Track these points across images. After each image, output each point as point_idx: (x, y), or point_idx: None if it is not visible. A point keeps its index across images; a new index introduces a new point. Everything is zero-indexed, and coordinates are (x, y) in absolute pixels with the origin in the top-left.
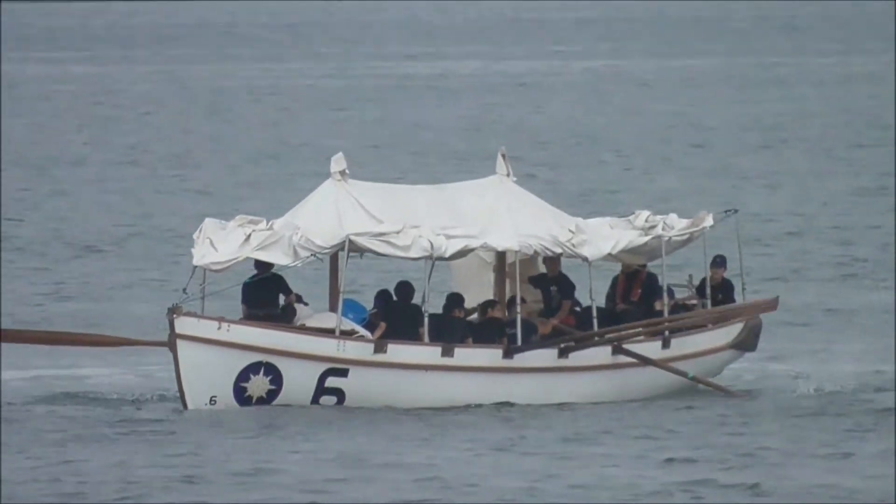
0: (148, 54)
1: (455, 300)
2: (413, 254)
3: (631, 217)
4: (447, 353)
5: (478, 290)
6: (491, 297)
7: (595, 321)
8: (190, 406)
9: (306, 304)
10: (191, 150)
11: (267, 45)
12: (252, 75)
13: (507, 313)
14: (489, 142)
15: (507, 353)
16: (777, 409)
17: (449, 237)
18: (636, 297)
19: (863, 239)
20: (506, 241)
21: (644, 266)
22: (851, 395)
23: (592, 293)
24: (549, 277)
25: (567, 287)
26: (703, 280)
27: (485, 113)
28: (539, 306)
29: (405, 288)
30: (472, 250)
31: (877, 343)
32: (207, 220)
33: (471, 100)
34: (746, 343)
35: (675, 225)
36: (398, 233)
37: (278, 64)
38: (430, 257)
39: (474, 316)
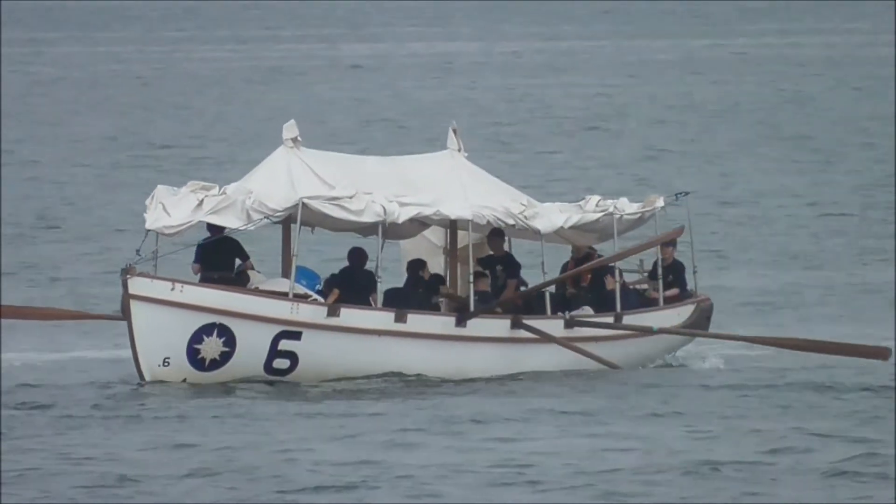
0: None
1: (418, 264)
2: (366, 218)
3: (581, 202)
4: (400, 318)
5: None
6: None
7: (547, 295)
8: (146, 375)
9: (258, 271)
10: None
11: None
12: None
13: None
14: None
15: (460, 321)
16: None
17: (402, 204)
18: (586, 281)
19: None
20: (459, 210)
21: (594, 249)
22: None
23: (545, 267)
24: (496, 257)
25: (512, 266)
26: (655, 262)
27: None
28: (487, 285)
29: (358, 253)
30: (424, 216)
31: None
32: (160, 186)
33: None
34: (698, 324)
35: (626, 207)
36: (351, 197)
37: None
38: (382, 223)
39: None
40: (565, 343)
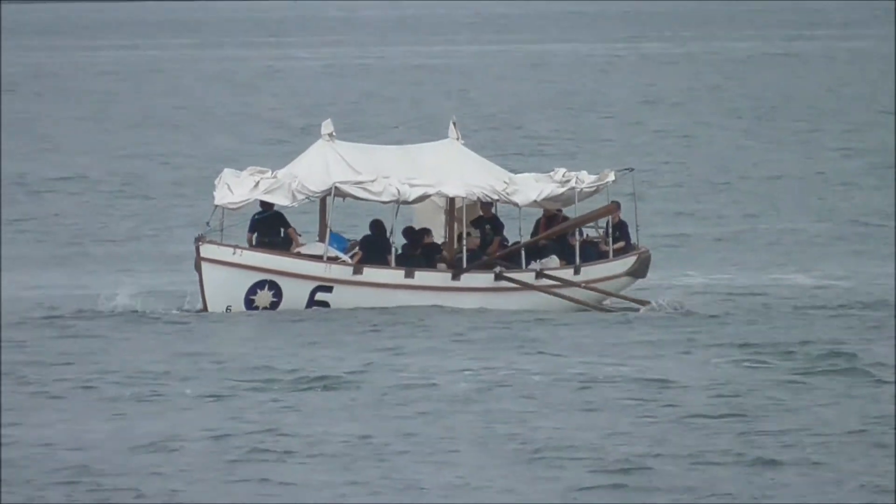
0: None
1: (426, 232)
2: (384, 198)
3: (551, 173)
4: (409, 275)
5: (434, 229)
6: (442, 234)
7: (523, 253)
8: (210, 310)
9: (300, 236)
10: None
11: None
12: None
13: (455, 246)
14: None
15: (455, 276)
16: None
17: (412, 185)
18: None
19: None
20: (456, 189)
21: (560, 210)
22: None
23: (521, 231)
24: (485, 218)
25: (498, 226)
26: (607, 222)
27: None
28: (478, 242)
29: (378, 225)
30: (429, 196)
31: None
32: (226, 170)
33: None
34: (639, 272)
35: (585, 179)
36: (373, 181)
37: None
38: (397, 201)
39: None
40: (539, 288)
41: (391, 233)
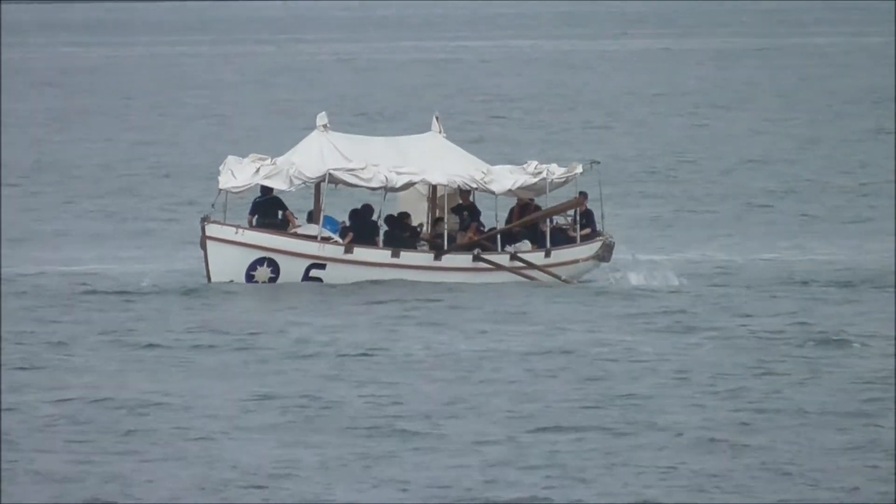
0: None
1: (405, 215)
2: (374, 184)
3: (524, 165)
4: (395, 255)
5: (417, 214)
6: (424, 220)
7: (498, 237)
8: (213, 280)
9: (296, 217)
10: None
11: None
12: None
13: (434, 229)
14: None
15: (437, 257)
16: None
17: (399, 173)
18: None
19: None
20: (438, 177)
21: (532, 199)
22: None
23: (497, 217)
24: (464, 205)
25: (475, 213)
26: (575, 211)
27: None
28: (456, 226)
29: (367, 209)
30: (415, 183)
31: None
32: (230, 157)
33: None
34: (604, 256)
35: (556, 171)
36: (363, 169)
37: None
38: (384, 187)
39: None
40: (512, 270)
41: (379, 216)
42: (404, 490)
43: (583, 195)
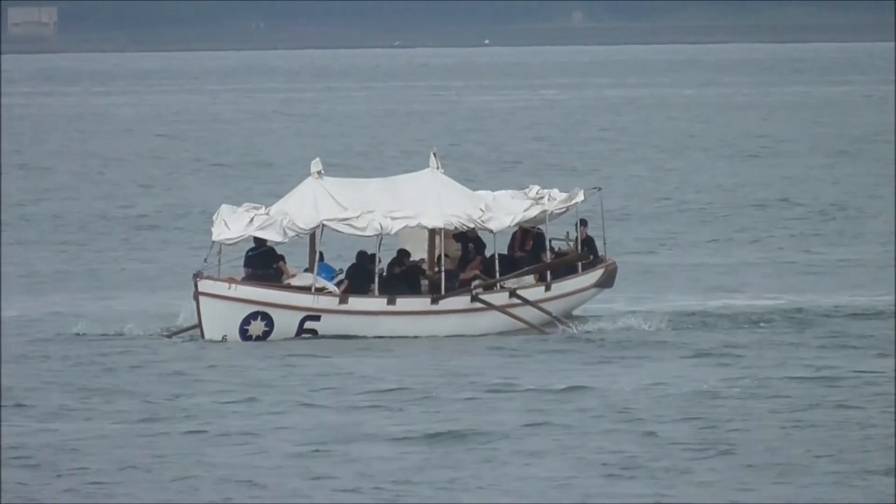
0: None
1: (403, 253)
2: (368, 232)
3: (526, 190)
4: (391, 302)
5: (418, 248)
6: (425, 253)
7: (497, 265)
8: (207, 338)
9: (290, 269)
10: None
11: None
12: None
13: (435, 268)
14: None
15: (434, 301)
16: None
17: (394, 219)
18: (528, 247)
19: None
20: (434, 220)
21: (534, 227)
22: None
23: (496, 250)
24: (469, 237)
25: (480, 246)
26: (576, 238)
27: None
28: (459, 254)
29: (362, 255)
30: (410, 227)
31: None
32: (223, 206)
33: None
34: (606, 283)
35: (557, 197)
36: (357, 217)
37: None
38: (379, 234)
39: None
40: (511, 313)
41: (380, 262)
42: None
43: (583, 223)
